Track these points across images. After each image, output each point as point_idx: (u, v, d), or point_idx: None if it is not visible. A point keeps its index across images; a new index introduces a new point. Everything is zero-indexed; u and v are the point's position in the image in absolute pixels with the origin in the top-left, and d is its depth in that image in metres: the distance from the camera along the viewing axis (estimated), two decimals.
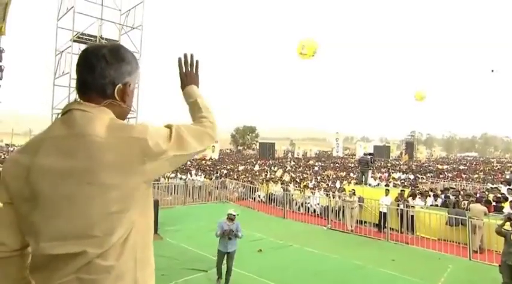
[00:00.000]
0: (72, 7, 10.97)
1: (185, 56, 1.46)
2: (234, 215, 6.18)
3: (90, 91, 1.08)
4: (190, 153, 1.15)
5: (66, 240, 0.98)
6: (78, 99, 1.09)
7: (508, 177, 22.20)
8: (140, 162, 1.01)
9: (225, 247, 6.02)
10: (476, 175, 24.60)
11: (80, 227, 0.98)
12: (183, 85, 1.42)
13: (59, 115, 1.12)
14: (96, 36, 11.62)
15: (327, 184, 15.98)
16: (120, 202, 1.00)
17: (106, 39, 11.92)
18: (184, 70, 1.44)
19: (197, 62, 1.47)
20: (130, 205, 1.02)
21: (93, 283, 0.99)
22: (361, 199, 11.32)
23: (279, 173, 21.87)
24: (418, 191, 12.27)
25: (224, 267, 6.09)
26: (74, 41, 11.27)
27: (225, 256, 6.05)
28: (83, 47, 11.99)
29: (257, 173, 21.98)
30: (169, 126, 1.12)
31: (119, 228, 1.00)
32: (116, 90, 1.09)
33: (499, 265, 5.82)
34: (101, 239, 0.98)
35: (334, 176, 21.36)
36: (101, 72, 1.07)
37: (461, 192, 13.32)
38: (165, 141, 1.07)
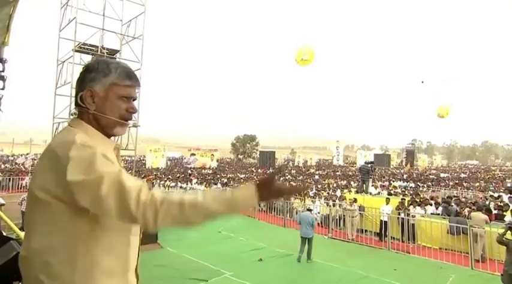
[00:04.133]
0: (74, 18, 11.09)
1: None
2: (311, 209, 9.51)
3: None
4: (98, 212, 1.02)
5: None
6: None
7: (509, 185, 22.14)
8: (54, 179, 1.03)
9: (305, 233, 8.26)
10: (477, 184, 24.51)
11: (27, 224, 1.11)
12: (263, 197, 1.05)
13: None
14: (97, 46, 11.73)
15: (328, 193, 15.93)
16: (41, 211, 1.06)
17: (107, 49, 12.03)
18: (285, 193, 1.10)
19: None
20: (49, 219, 1.05)
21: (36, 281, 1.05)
22: (361, 208, 11.28)
23: None
24: (419, 199, 12.23)
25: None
26: (76, 50, 11.36)
27: (306, 240, 8.23)
28: (84, 56, 12.11)
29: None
30: (102, 171, 0.99)
31: (40, 237, 1.05)
32: (79, 98, 1.17)
33: (501, 275, 5.77)
34: (27, 241, 1.08)
35: (335, 185, 21.31)
36: (76, 89, 1.22)
37: (463, 200, 13.28)
38: (74, 173, 0.98)
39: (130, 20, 12.50)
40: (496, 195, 15.85)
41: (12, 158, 37.09)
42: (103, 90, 1.16)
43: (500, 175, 33.59)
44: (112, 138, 1.25)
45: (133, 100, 1.24)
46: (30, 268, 1.06)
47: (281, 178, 25.54)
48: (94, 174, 0.98)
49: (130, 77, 1.20)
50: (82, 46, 11.48)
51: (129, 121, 1.26)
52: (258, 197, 1.04)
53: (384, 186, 20.97)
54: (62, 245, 1.03)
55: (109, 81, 1.17)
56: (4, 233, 3.20)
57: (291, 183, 21.77)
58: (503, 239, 5.80)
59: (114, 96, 1.17)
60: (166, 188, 17.35)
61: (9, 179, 17.33)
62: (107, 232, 1.08)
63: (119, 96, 1.18)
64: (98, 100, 1.16)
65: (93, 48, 11.71)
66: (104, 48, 11.81)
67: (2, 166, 27.13)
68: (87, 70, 1.19)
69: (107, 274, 1.07)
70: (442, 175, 32.32)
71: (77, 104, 1.19)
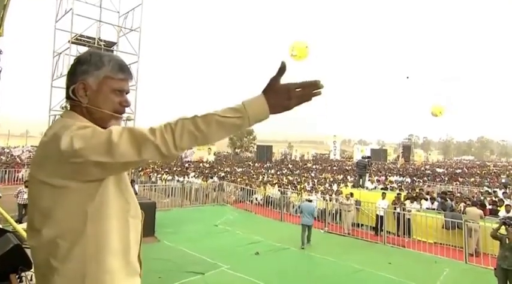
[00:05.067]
0: (70, 9, 10.97)
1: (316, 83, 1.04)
2: (312, 200, 10.25)
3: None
4: (120, 161, 0.98)
5: (30, 231, 1.11)
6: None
7: (504, 180, 22.35)
8: (55, 161, 1.01)
9: (306, 222, 9.05)
10: (472, 179, 24.71)
11: (31, 218, 1.11)
12: (276, 109, 1.04)
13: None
14: (94, 38, 11.64)
15: (324, 187, 16.01)
16: (48, 200, 1.03)
17: (104, 41, 11.93)
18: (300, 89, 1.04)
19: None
20: (58, 204, 1.03)
21: (48, 282, 1.05)
22: (358, 202, 11.34)
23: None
24: (414, 194, 12.32)
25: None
26: (72, 42, 11.27)
27: (306, 228, 9.03)
28: (81, 48, 12.01)
29: (254, 175, 21.97)
30: (110, 130, 1.02)
31: (46, 227, 1.04)
32: (70, 91, 1.14)
33: (495, 269, 5.85)
34: (37, 230, 1.06)
35: (332, 179, 21.39)
36: (66, 82, 1.19)
37: (458, 195, 13.38)
38: (84, 143, 0.98)
39: (128, 12, 12.38)
40: (490, 190, 16.02)
41: (8, 150, 36.91)
42: (96, 83, 1.14)
43: (495, 170, 33.87)
44: None
45: (126, 93, 1.22)
46: (41, 255, 1.06)
47: (277, 172, 25.62)
48: (100, 134, 0.99)
49: (123, 70, 1.19)
50: (79, 38, 11.37)
51: (123, 115, 1.24)
52: (269, 105, 1.01)
53: (380, 180, 21.10)
54: (72, 228, 1.04)
55: (102, 74, 1.14)
56: (0, 226, 3.20)
57: (288, 177, 21.85)
58: (497, 234, 5.87)
59: (108, 89, 1.15)
60: (163, 181, 17.34)
61: (5, 171, 17.26)
62: (110, 213, 1.09)
63: (112, 90, 1.16)
64: (90, 94, 1.14)
65: (90, 40, 11.61)
66: (100, 40, 11.71)
67: None
68: (79, 62, 1.16)
69: (112, 255, 1.08)
70: (438, 170, 32.54)
71: (68, 97, 1.16)
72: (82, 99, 1.13)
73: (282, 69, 1.04)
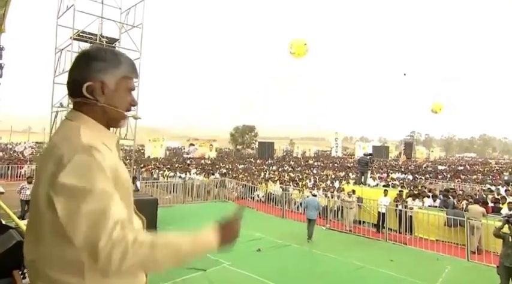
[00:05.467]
0: (72, 5, 10.92)
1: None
2: (316, 195, 10.85)
3: (70, 94, 1.15)
4: (63, 223, 0.93)
5: (27, 238, 1.10)
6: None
7: (506, 178, 22.28)
8: (47, 181, 0.98)
9: (310, 215, 9.42)
10: (474, 176, 24.64)
11: (30, 229, 1.09)
12: (221, 242, 1.12)
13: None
14: (96, 35, 11.60)
15: (326, 184, 16.00)
16: (48, 212, 0.98)
17: (106, 37, 11.90)
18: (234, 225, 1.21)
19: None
20: (51, 218, 0.97)
21: None
22: (360, 200, 11.34)
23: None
24: (417, 191, 12.30)
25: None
26: (74, 39, 11.23)
27: (309, 222, 9.40)
28: (83, 45, 11.97)
29: (256, 172, 21.98)
30: (100, 187, 0.93)
31: (46, 236, 1.01)
32: (84, 89, 1.07)
33: (497, 266, 5.84)
34: (35, 244, 1.03)
35: (333, 176, 21.38)
36: (70, 74, 1.13)
37: (460, 193, 13.35)
38: (68, 177, 0.93)
39: (130, 8, 12.33)
40: (493, 188, 15.97)
41: (10, 146, 37.05)
42: (114, 82, 1.11)
43: (498, 168, 33.76)
44: (111, 129, 1.21)
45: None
46: (39, 272, 1.02)
47: (279, 169, 25.61)
48: (87, 184, 0.92)
49: (135, 70, 1.20)
50: (81, 34, 11.34)
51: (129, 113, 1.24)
52: (218, 239, 1.10)
53: (381, 177, 21.07)
54: (67, 253, 0.99)
55: (121, 74, 1.13)
56: (3, 222, 3.20)
57: (290, 173, 21.84)
58: (500, 232, 5.84)
59: (123, 88, 1.14)
60: (165, 178, 17.37)
61: (8, 167, 17.34)
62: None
63: (126, 89, 1.16)
64: (108, 93, 1.10)
65: (92, 37, 11.58)
66: (102, 37, 11.68)
67: (1, 154, 27.09)
68: (93, 58, 1.10)
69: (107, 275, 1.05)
70: (439, 167, 32.46)
71: (79, 95, 1.09)
72: (100, 98, 1.10)
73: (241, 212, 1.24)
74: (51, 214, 0.97)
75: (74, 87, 1.10)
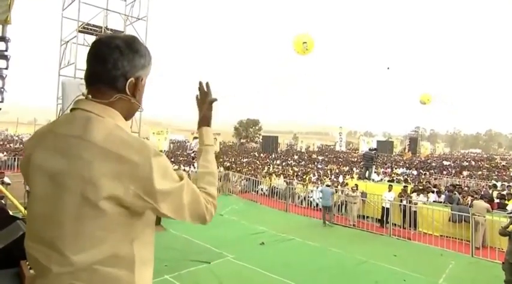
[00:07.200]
0: None
1: (201, 84, 1.38)
2: (329, 185, 11.76)
3: (99, 83, 1.01)
4: (173, 217, 1.02)
5: (40, 245, 0.94)
6: (86, 94, 1.02)
7: None
8: (124, 186, 0.91)
9: (326, 203, 10.46)
10: (480, 172, 24.50)
11: (51, 236, 0.92)
12: (202, 123, 1.38)
13: (68, 110, 1.10)
14: (101, 27, 11.59)
15: (330, 179, 15.99)
16: (95, 220, 0.90)
17: (111, 29, 11.88)
18: (203, 101, 1.38)
19: (214, 99, 1.39)
20: (106, 228, 0.92)
21: None
22: (364, 194, 11.33)
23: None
24: (421, 187, 12.25)
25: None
26: (79, 31, 11.24)
27: (327, 208, 10.46)
28: (88, 37, 11.98)
29: (260, 166, 22.00)
30: (180, 176, 1.03)
31: (90, 249, 0.91)
32: (127, 84, 1.02)
33: (502, 263, 5.81)
34: (64, 255, 0.90)
35: (337, 171, 21.34)
36: (114, 63, 1.00)
37: (465, 189, 13.28)
38: (161, 183, 0.95)
39: (135, 1, 12.30)
40: (499, 183, 15.87)
41: (17, 138, 37.36)
42: (145, 79, 1.11)
43: (504, 164, 33.51)
44: None
45: None
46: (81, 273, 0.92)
47: (283, 163, 25.61)
48: (176, 183, 1.01)
49: None
50: (86, 26, 11.34)
51: None
52: (206, 124, 1.39)
53: (386, 172, 21.02)
54: (119, 250, 0.95)
55: (150, 71, 1.12)
56: (10, 213, 3.23)
57: (294, 167, 21.83)
58: (506, 231, 5.79)
59: (144, 85, 1.13)
60: None
61: (15, 159, 17.48)
62: (149, 225, 1.05)
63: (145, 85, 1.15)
64: (140, 89, 1.09)
65: (97, 29, 11.58)
66: (107, 29, 11.67)
67: (8, 145, 27.34)
68: (138, 54, 1.04)
69: (146, 265, 1.02)
70: (444, 163, 32.29)
71: (119, 90, 1.02)
72: (137, 94, 1.07)
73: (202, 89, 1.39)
74: (111, 213, 0.91)
75: (116, 80, 1.01)
